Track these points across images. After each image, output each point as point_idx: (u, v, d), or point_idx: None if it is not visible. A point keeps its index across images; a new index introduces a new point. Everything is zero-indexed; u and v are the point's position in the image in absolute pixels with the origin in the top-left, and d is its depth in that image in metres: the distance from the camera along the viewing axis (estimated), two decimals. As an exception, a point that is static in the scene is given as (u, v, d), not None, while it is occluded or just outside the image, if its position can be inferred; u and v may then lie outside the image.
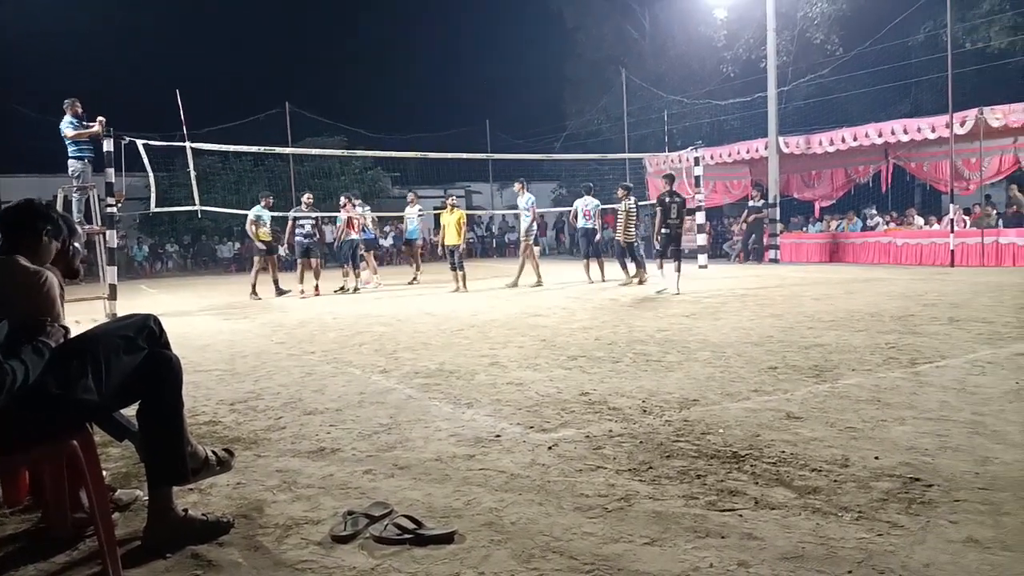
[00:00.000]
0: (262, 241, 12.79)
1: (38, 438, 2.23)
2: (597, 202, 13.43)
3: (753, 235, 18.41)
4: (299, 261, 13.18)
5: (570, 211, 14.38)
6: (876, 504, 2.56)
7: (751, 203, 18.53)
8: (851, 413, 3.74)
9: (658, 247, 11.26)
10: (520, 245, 13.39)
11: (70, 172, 10.69)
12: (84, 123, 10.61)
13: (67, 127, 10.39)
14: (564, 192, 29.73)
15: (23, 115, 22.84)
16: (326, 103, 29.31)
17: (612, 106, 27.29)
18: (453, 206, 12.83)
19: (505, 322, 8.03)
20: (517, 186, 13.52)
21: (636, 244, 13.23)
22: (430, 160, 19.59)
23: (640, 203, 14.32)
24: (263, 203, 12.82)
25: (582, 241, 13.64)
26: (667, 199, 11.03)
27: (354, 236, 13.30)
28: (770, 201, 18.26)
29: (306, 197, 13.24)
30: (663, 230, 11.01)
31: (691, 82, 27.89)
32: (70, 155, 10.57)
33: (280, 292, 12.58)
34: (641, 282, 12.45)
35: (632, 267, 12.83)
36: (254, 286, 12.59)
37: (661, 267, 10.99)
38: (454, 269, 12.56)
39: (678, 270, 10.79)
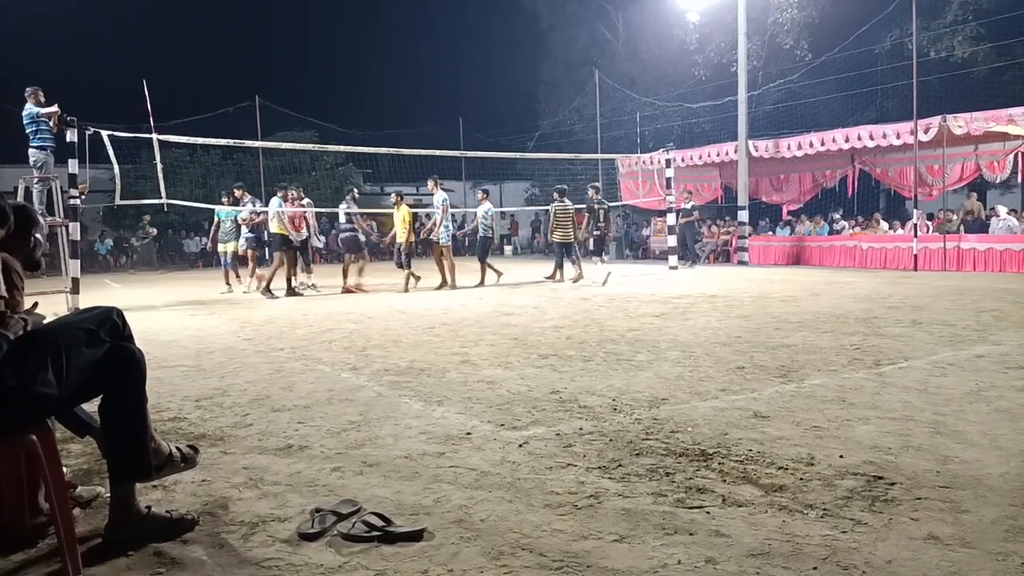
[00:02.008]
0: (278, 234, 11.84)
1: (-5, 433, 2.16)
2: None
3: (686, 238, 18.15)
4: (349, 256, 12.46)
5: (480, 214, 13.37)
6: (840, 502, 2.60)
7: (682, 206, 18.00)
8: (816, 412, 3.80)
9: (591, 247, 13.60)
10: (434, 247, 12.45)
11: (31, 162, 10.45)
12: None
13: (27, 118, 10.18)
14: (536, 191, 29.77)
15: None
16: (298, 98, 29.06)
17: (585, 107, 27.41)
18: (398, 202, 12.01)
19: (476, 320, 8.02)
20: (430, 183, 12.23)
21: (571, 245, 13.16)
22: (403, 157, 19.46)
23: (578, 205, 13.99)
24: (280, 195, 11.94)
25: (483, 243, 13.31)
26: (595, 205, 12.97)
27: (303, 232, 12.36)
28: (739, 204, 18.48)
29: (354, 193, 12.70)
30: (595, 232, 13.11)
31: (663, 84, 28.16)
32: (31, 144, 10.34)
33: (291, 291, 11.67)
34: (557, 281, 12.97)
35: (568, 266, 13.12)
36: (289, 281, 11.80)
37: (603, 262, 13.04)
38: (400, 267, 12.09)
39: (604, 262, 13.09)
